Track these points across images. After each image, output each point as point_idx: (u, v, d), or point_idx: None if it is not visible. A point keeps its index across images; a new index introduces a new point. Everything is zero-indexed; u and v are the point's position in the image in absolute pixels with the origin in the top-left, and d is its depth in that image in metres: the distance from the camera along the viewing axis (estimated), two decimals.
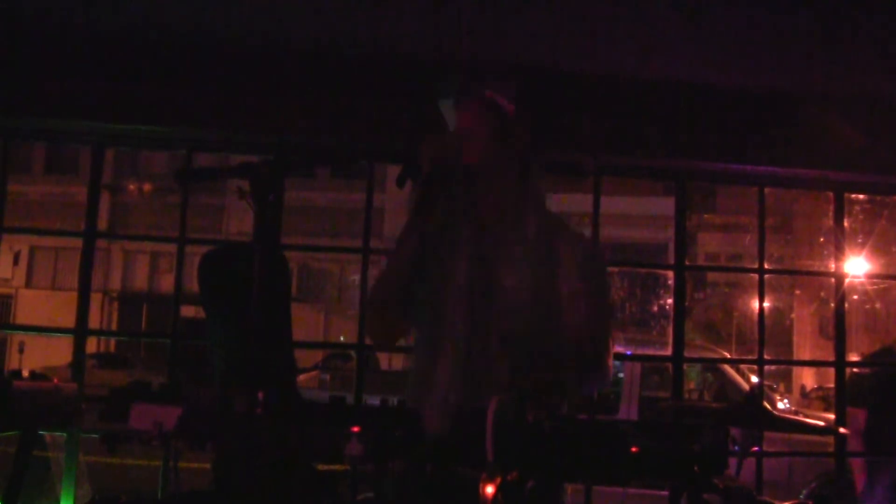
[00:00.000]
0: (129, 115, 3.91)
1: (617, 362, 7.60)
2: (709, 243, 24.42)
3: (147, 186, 25.45)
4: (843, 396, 4.32)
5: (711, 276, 23.52)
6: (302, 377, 12.58)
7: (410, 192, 2.24)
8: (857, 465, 4.23)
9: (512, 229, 2.27)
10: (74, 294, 4.17)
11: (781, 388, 18.53)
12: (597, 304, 2.22)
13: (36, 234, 24.15)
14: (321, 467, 1.78)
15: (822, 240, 15.10)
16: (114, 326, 24.51)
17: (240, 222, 21.65)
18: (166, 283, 23.42)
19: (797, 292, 20.45)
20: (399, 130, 3.77)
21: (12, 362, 19.92)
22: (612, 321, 2.28)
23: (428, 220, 2.22)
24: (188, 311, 4.13)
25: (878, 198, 9.29)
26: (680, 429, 1.57)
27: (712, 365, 8.97)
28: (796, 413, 10.70)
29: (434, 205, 2.21)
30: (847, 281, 4.61)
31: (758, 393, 4.41)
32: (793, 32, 3.59)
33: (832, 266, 4.57)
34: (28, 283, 26.44)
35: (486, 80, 2.31)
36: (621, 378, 7.67)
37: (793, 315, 21.06)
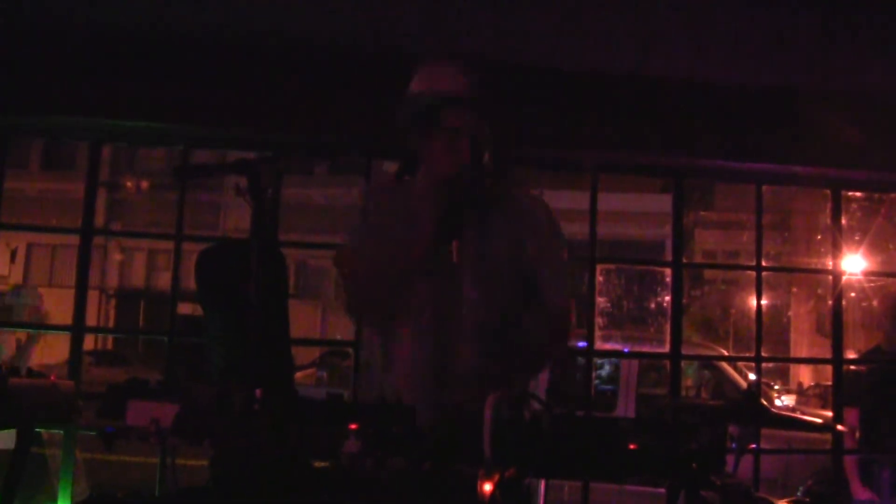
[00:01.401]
0: (127, 112, 3.91)
1: (614, 360, 7.68)
2: (706, 240, 24.40)
3: (144, 183, 25.40)
4: (840, 394, 4.33)
5: (709, 273, 23.52)
6: (299, 374, 12.57)
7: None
8: (849, 465, 4.23)
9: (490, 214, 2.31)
10: (71, 291, 4.17)
11: (779, 385, 18.55)
12: (554, 260, 2.30)
13: (33, 231, 23.93)
14: (318, 464, 1.78)
15: (819, 237, 15.11)
16: (111, 324, 24.46)
17: (237, 219, 21.63)
18: (163, 280, 23.36)
19: (794, 290, 20.45)
20: (397, 128, 3.77)
21: None
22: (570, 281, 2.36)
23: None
24: (185, 308, 4.12)
25: (876, 195, 9.30)
26: (677, 426, 1.58)
27: (710, 362, 8.98)
28: (794, 410, 10.72)
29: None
30: (844, 278, 4.62)
31: (755, 390, 4.42)
32: (791, 31, 3.59)
33: (829, 263, 4.58)
34: (25, 280, 26.39)
35: (449, 107, 2.29)
36: (619, 375, 7.69)
37: (790, 312, 21.06)
